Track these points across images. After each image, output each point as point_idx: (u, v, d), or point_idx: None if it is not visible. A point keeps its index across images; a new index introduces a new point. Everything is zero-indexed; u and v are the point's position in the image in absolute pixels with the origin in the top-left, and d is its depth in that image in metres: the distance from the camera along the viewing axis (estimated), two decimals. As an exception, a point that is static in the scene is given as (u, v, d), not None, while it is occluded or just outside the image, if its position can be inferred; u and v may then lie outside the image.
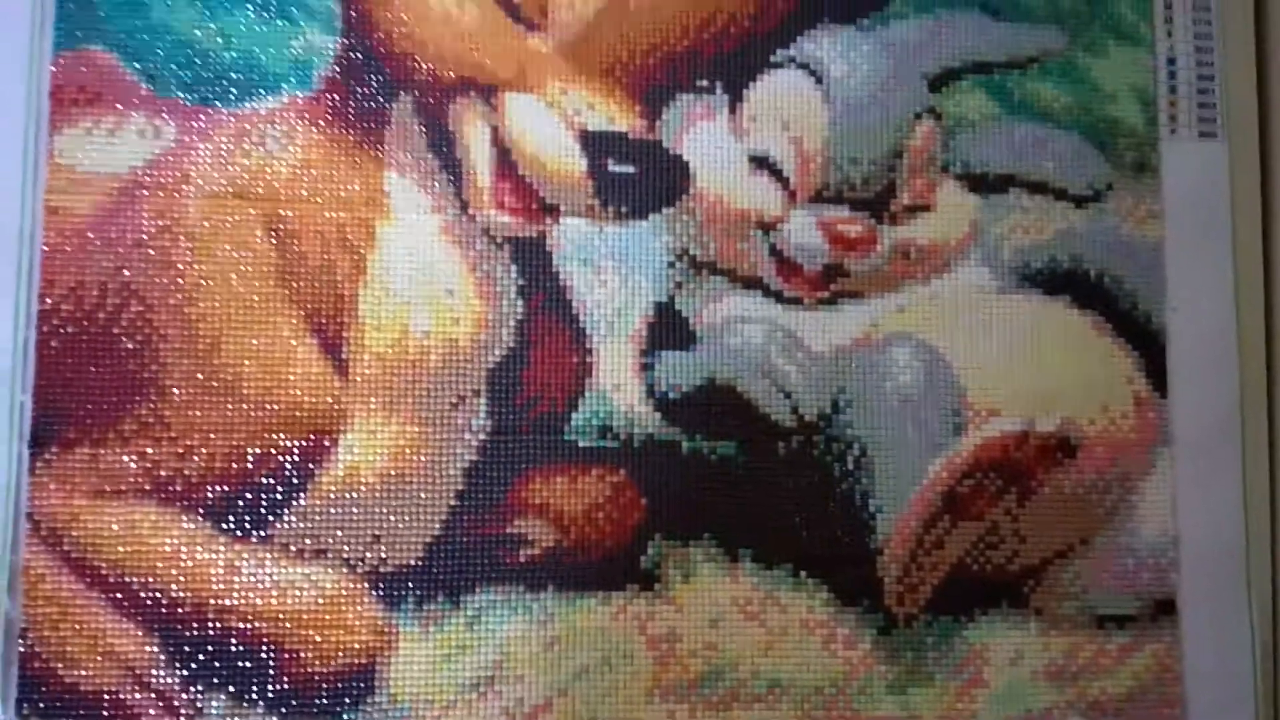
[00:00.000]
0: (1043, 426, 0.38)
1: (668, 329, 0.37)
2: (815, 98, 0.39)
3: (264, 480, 0.34)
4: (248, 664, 0.34)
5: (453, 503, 0.35)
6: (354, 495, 0.35)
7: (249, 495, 0.34)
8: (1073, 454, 0.39)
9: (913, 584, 0.37)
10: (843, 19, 0.39)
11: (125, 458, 0.34)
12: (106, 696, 0.33)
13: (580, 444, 0.36)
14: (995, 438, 0.38)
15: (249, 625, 0.34)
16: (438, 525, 0.35)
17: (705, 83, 0.38)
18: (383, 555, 0.35)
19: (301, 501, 0.35)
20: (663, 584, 0.36)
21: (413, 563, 0.35)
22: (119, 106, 0.35)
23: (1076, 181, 0.40)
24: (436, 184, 0.37)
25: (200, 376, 0.34)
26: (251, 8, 0.36)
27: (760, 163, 0.39)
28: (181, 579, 0.34)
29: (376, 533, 0.35)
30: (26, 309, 0.34)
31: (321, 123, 0.36)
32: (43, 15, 0.35)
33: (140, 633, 0.33)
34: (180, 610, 0.34)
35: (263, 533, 0.34)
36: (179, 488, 0.34)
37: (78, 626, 0.33)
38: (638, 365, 0.37)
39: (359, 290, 0.36)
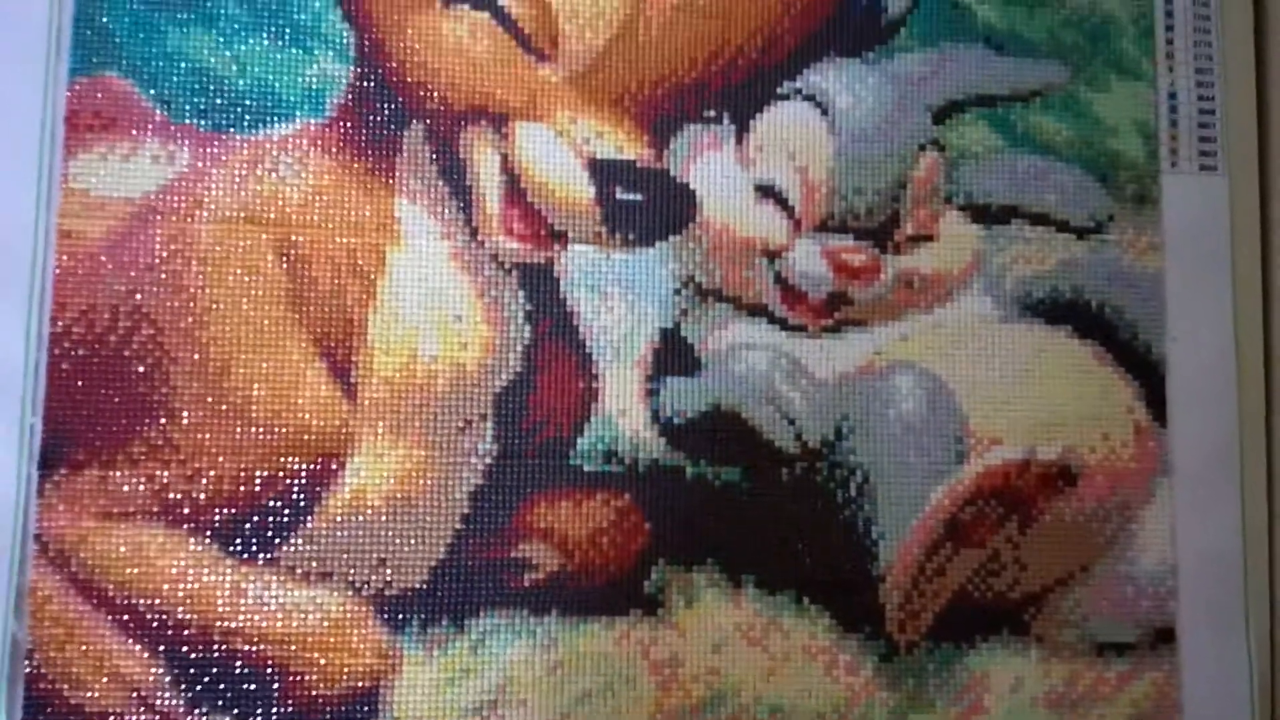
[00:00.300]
0: (1044, 455, 0.39)
1: (673, 355, 0.38)
2: (821, 129, 0.40)
3: (271, 503, 0.35)
4: (252, 686, 0.34)
5: (458, 526, 0.36)
6: (360, 518, 0.35)
7: (256, 518, 0.34)
8: (1073, 482, 0.39)
9: (914, 611, 0.38)
10: (848, 52, 0.40)
11: (134, 480, 0.34)
12: (112, 718, 0.33)
13: (585, 469, 0.37)
14: (997, 466, 0.38)
15: (254, 648, 0.34)
16: (443, 549, 0.35)
17: (713, 113, 0.39)
18: (388, 578, 0.35)
19: (308, 524, 0.35)
20: (666, 609, 0.36)
21: (417, 586, 0.35)
22: (133, 132, 0.35)
23: (1078, 213, 0.40)
24: (446, 210, 0.37)
25: (210, 399, 0.35)
26: (266, 35, 0.37)
27: (766, 192, 0.39)
28: (188, 601, 0.34)
29: (382, 556, 0.35)
30: (38, 332, 0.34)
31: (334, 149, 0.37)
32: (59, 41, 0.35)
33: (146, 654, 0.34)
34: (186, 632, 0.34)
35: (269, 555, 0.34)
36: (187, 510, 0.34)
37: (84, 648, 0.33)
38: (643, 391, 0.37)
39: (368, 315, 0.36)
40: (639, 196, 0.38)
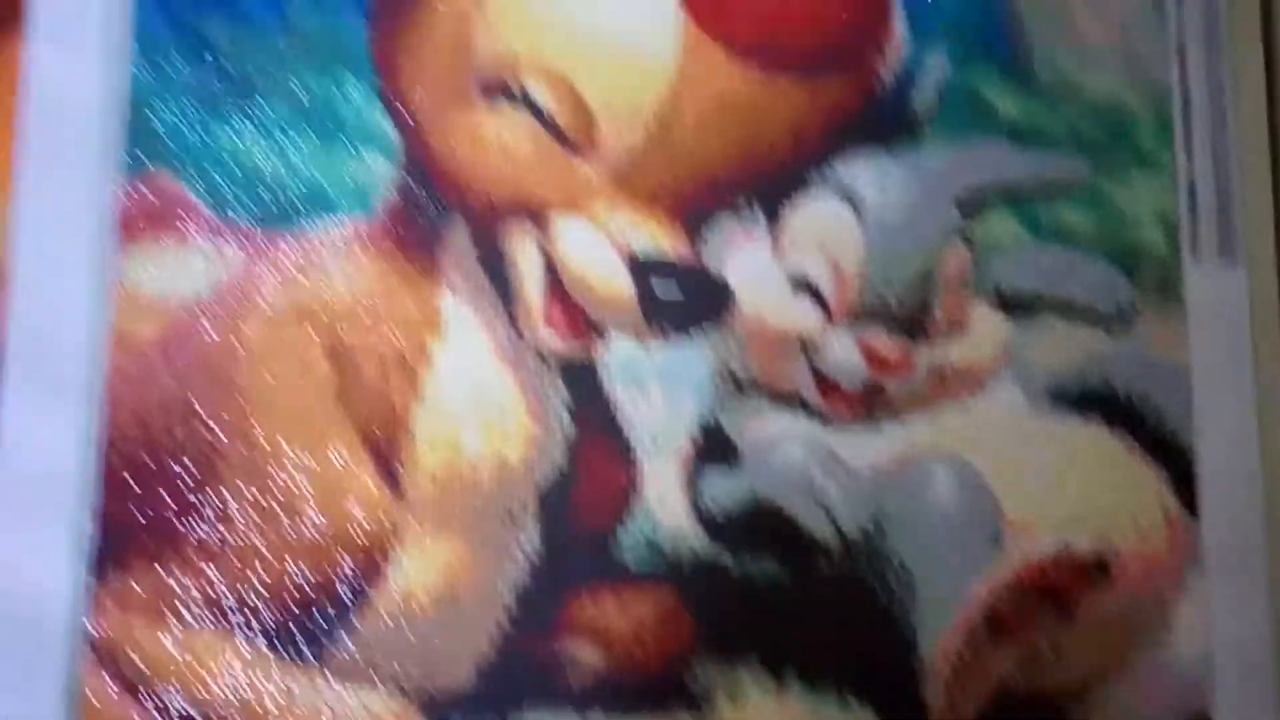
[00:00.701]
0: (1079, 546, 0.39)
1: (712, 447, 0.38)
2: (851, 221, 0.40)
3: (319, 602, 0.35)
4: (297, 785, 0.34)
5: (503, 623, 0.36)
6: (407, 616, 0.35)
7: (304, 617, 0.35)
8: (1109, 573, 0.39)
9: (956, 704, 0.38)
10: (876, 146, 0.41)
11: (184, 579, 0.34)
12: (157, 820, 0.33)
13: (629, 564, 0.37)
14: (1033, 557, 0.39)
15: (299, 746, 0.34)
16: (488, 646, 0.36)
17: (746, 206, 0.40)
18: (433, 676, 0.35)
19: (355, 623, 0.35)
20: (710, 706, 0.36)
21: (463, 685, 0.35)
22: (185, 230, 0.36)
23: (1104, 305, 0.41)
24: (489, 305, 0.38)
25: (259, 497, 0.35)
26: (314, 134, 0.38)
27: (799, 284, 0.40)
28: (236, 703, 0.34)
29: (427, 653, 0.35)
30: (91, 432, 0.34)
31: (380, 245, 0.37)
32: (111, 141, 0.36)
33: (192, 754, 0.34)
34: (232, 731, 0.34)
35: (317, 655, 0.35)
36: (236, 610, 0.34)
37: (131, 748, 0.34)
38: (684, 484, 0.38)
39: (414, 409, 0.37)
40: (676, 290, 0.39)
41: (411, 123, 0.38)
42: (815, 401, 0.39)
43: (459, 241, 0.38)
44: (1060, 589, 0.40)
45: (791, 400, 0.39)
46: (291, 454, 0.35)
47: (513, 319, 0.38)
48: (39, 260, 0.35)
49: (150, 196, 0.36)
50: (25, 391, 0.34)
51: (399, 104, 0.38)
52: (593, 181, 0.39)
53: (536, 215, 0.39)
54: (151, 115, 0.37)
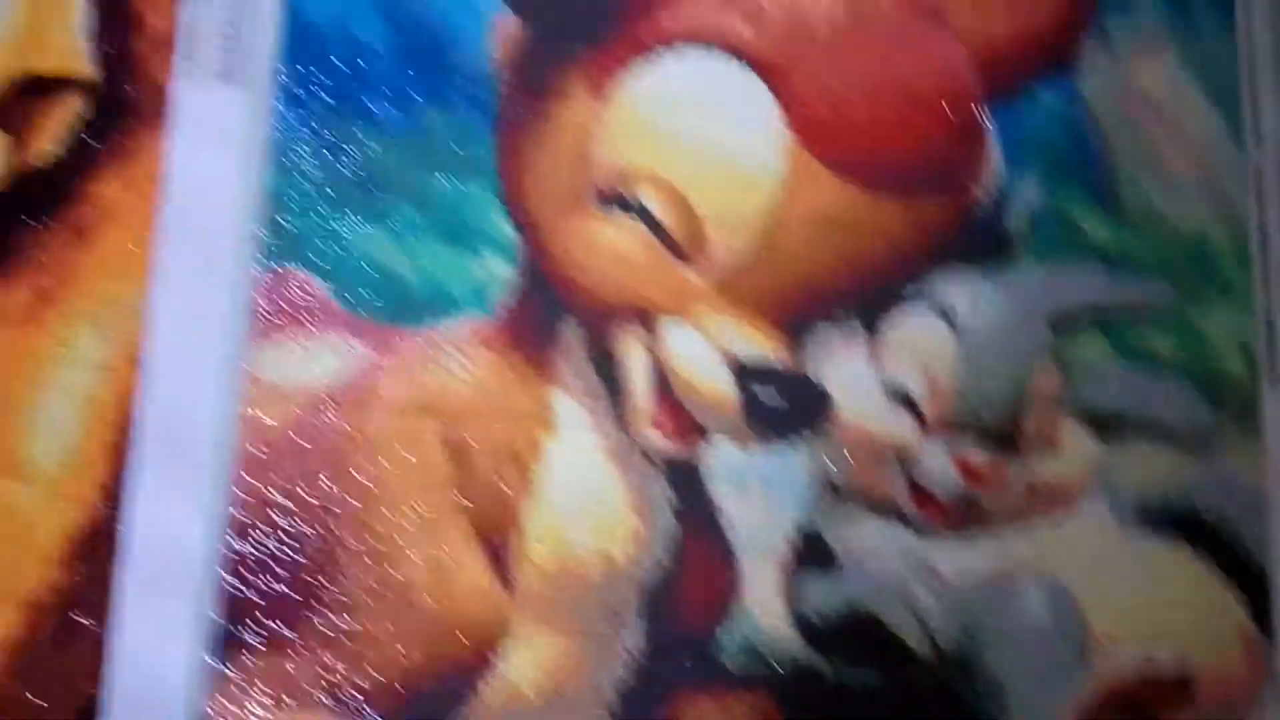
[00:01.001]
0: (1163, 664, 0.40)
1: (811, 553, 0.39)
2: (946, 336, 0.42)
3: (430, 691, 0.35)
4: None
5: (606, 720, 0.37)
6: (512, 709, 0.36)
7: (415, 706, 0.35)
8: (1190, 692, 0.40)
9: (1048, 820, 0.38)
10: (971, 264, 0.42)
11: (304, 667, 0.35)
12: None
13: (728, 666, 0.37)
14: (1119, 674, 0.39)
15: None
16: (592, 743, 0.36)
17: (845, 317, 0.41)
18: (538, 772, 0.36)
19: (464, 713, 0.36)
20: (809, 813, 0.37)
21: (568, 781, 0.36)
22: (313, 324, 0.37)
23: (1186, 427, 0.42)
24: (599, 404, 0.39)
25: (377, 586, 0.36)
26: (439, 235, 0.39)
27: (896, 394, 0.41)
28: (351, 791, 0.34)
29: (533, 748, 0.36)
30: (217, 516, 0.35)
31: (497, 344, 0.39)
32: (247, 237, 0.37)
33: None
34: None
35: (428, 747, 0.35)
36: (350, 696, 0.35)
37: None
38: (782, 588, 0.39)
39: (525, 504, 0.38)
40: (778, 396, 0.40)
41: (530, 227, 0.40)
42: (911, 511, 0.40)
43: (571, 342, 0.40)
44: (1144, 706, 0.40)
45: (888, 509, 0.40)
46: (408, 544, 0.36)
47: (621, 418, 0.39)
48: (174, 349, 0.36)
49: (282, 291, 0.37)
50: (157, 474, 0.35)
51: (519, 208, 0.40)
52: (700, 288, 0.41)
53: (645, 318, 0.40)
54: (285, 213, 0.38)
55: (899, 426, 0.41)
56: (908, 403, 0.42)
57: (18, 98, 0.37)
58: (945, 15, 0.43)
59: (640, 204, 0.40)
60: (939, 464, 0.41)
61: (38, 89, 0.37)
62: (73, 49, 0.38)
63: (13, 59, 0.37)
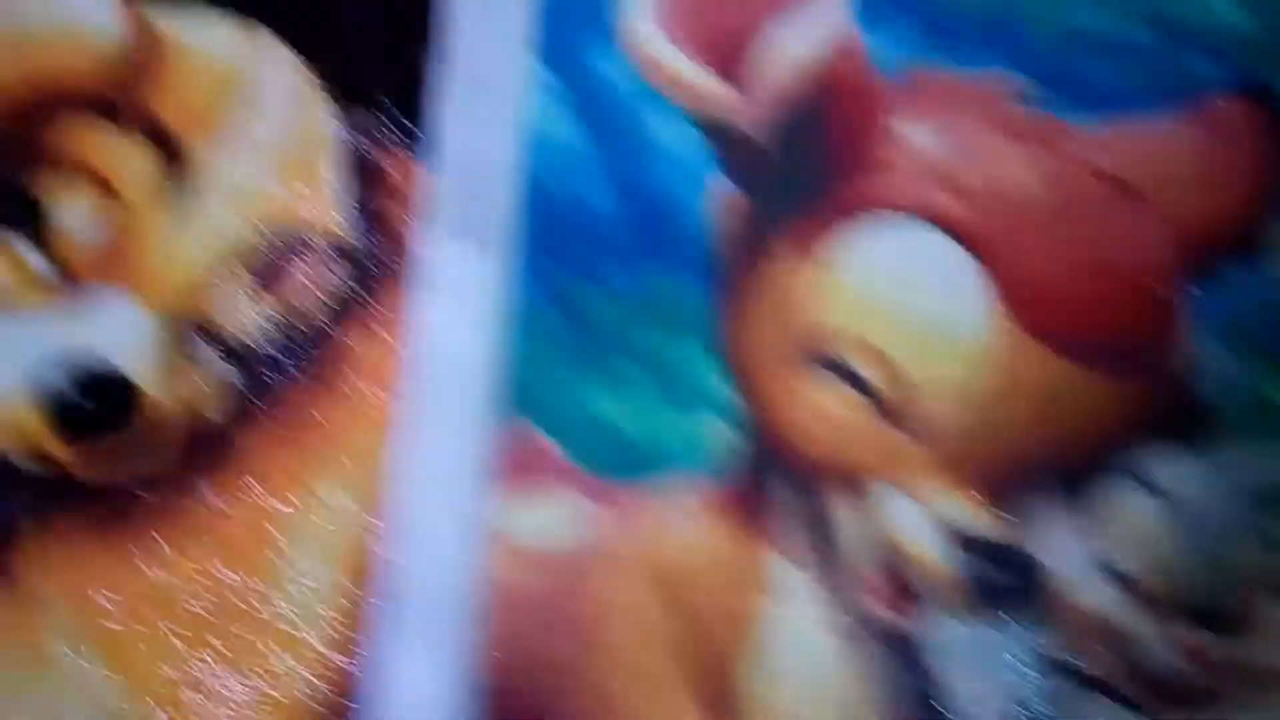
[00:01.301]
0: None
1: (1031, 732, 0.39)
2: (1154, 512, 0.42)
3: None
4: None
5: None
6: None
7: None
8: None
9: None
10: (1176, 441, 0.43)
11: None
12: None
13: None
14: None
15: None
16: None
17: (1053, 490, 0.41)
18: None
19: None
20: None
21: None
22: (546, 482, 0.38)
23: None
24: (816, 571, 0.39)
25: (608, 751, 0.36)
26: (660, 393, 0.40)
27: (1107, 570, 0.41)
28: None
29: None
30: (458, 679, 0.35)
31: (716, 504, 0.39)
32: (486, 394, 0.38)
33: None
34: None
35: None
36: None
37: None
38: (1004, 769, 0.38)
39: (742, 669, 0.37)
40: (994, 571, 0.40)
41: (747, 387, 0.41)
42: (1127, 690, 0.40)
43: (787, 504, 0.40)
44: None
45: (1105, 687, 0.40)
46: (635, 707, 0.36)
47: (838, 586, 0.39)
48: (416, 505, 0.37)
49: (517, 447, 0.38)
50: (408, 634, 0.35)
51: (736, 368, 0.41)
52: (914, 454, 0.41)
53: (859, 484, 0.40)
54: (520, 370, 0.40)
55: (1113, 603, 0.41)
56: (1120, 579, 0.41)
57: (274, 254, 0.39)
58: (1146, 195, 0.45)
59: (851, 368, 0.41)
60: (1158, 643, 0.40)
61: (292, 246, 0.39)
62: (324, 206, 0.40)
63: (266, 215, 0.39)
